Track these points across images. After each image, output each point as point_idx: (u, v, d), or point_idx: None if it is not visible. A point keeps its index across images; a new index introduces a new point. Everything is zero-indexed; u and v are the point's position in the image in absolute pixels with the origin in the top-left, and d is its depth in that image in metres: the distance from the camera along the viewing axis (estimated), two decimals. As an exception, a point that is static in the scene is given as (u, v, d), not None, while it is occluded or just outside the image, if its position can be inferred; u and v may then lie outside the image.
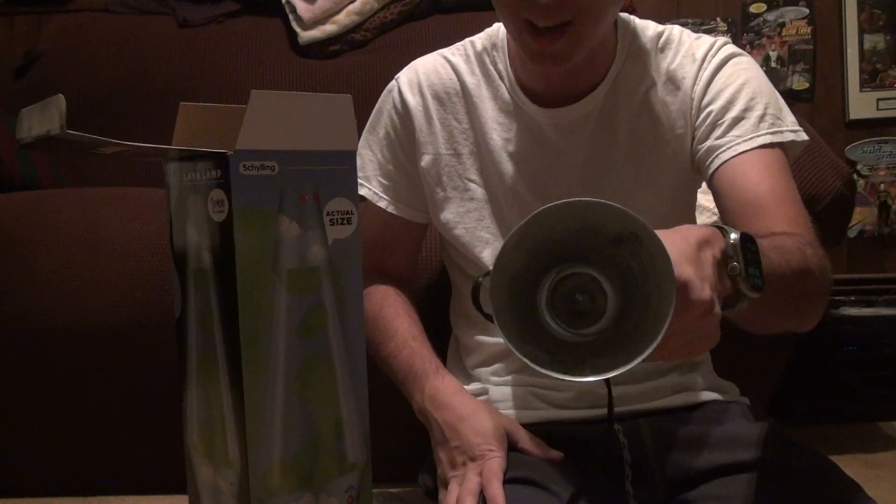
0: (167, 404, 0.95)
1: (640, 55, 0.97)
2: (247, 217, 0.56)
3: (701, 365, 1.01)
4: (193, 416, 0.63)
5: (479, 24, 1.00)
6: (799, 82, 2.45)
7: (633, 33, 0.98)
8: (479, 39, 1.02)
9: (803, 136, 0.91)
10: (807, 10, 2.45)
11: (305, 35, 2.14)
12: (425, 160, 1.02)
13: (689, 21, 2.47)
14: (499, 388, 0.99)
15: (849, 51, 2.44)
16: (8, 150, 1.73)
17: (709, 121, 0.93)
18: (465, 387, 0.97)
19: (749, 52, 2.48)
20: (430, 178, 1.02)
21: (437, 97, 1.01)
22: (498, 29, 1.01)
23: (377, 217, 1.05)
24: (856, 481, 0.81)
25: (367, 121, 1.07)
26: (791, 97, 2.45)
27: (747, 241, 0.68)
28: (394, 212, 1.05)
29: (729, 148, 0.90)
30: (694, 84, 0.95)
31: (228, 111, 0.63)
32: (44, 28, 2.38)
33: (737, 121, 0.91)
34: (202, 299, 0.60)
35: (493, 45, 1.00)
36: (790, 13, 2.45)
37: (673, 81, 0.96)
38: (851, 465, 0.83)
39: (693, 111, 0.95)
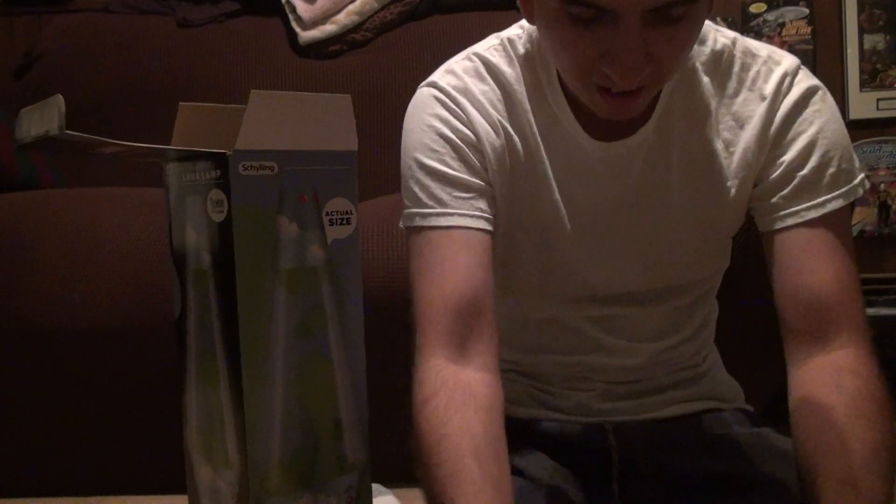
0: (167, 404, 0.94)
1: (693, 77, 0.84)
2: (246, 217, 0.56)
3: (705, 375, 0.97)
4: (193, 417, 0.63)
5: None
6: (799, 82, 2.45)
7: None
8: (520, 40, 0.86)
9: (865, 187, 0.85)
10: (807, 10, 2.45)
11: (305, 35, 2.14)
12: (495, 171, 0.84)
13: (689, 21, 2.47)
14: None
15: (849, 51, 2.44)
16: (8, 151, 1.73)
17: (778, 173, 0.83)
18: None
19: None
20: (498, 189, 0.86)
21: (493, 104, 0.84)
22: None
23: (482, 251, 0.81)
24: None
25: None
26: (791, 97, 2.45)
27: None
28: (490, 228, 0.83)
29: (796, 213, 0.81)
30: (765, 129, 0.83)
31: (227, 111, 0.63)
32: (44, 28, 2.38)
33: (808, 181, 0.81)
34: (201, 299, 0.60)
35: (539, 52, 0.84)
36: (790, 13, 2.45)
37: (736, 119, 0.84)
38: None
39: (763, 157, 0.84)
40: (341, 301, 0.63)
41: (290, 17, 2.17)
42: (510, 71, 0.85)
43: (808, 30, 2.45)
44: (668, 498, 0.86)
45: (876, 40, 2.42)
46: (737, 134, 0.84)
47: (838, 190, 0.81)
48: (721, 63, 0.84)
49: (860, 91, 2.43)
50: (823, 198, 0.81)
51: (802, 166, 0.81)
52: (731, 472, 0.85)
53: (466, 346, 0.78)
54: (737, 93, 0.84)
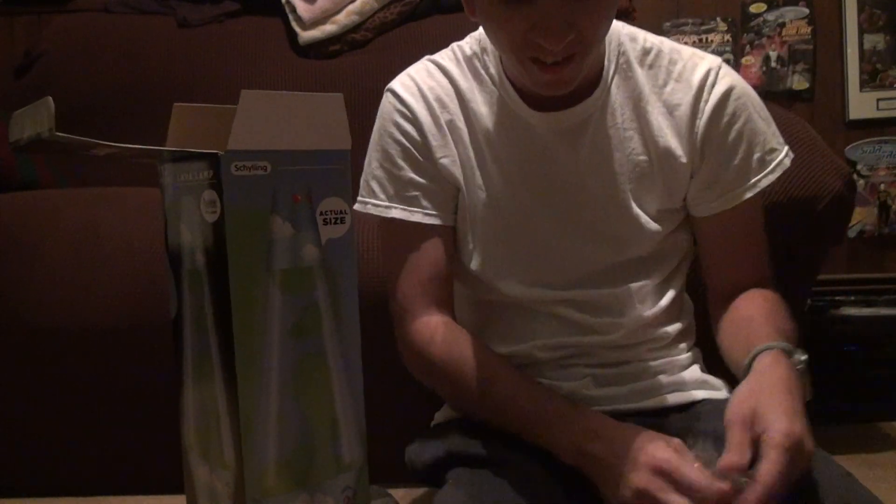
0: (167, 404, 0.94)
1: (627, 66, 0.96)
2: (239, 217, 0.56)
3: (693, 364, 1.01)
4: (189, 417, 0.63)
5: (478, 25, 0.98)
6: (799, 82, 2.45)
7: (619, 42, 0.96)
8: (467, 44, 1.01)
9: (790, 157, 0.97)
10: (807, 10, 2.44)
11: (305, 35, 2.14)
12: (445, 163, 0.97)
13: (690, 21, 2.47)
14: None
15: (849, 51, 2.43)
16: (8, 151, 1.74)
17: (712, 164, 0.95)
18: None
19: (749, 52, 2.50)
20: (451, 180, 0.99)
21: (439, 100, 0.98)
22: (484, 33, 0.97)
23: (432, 238, 0.98)
24: (846, 470, 0.82)
25: (364, 121, 1.04)
26: (791, 97, 2.45)
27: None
28: (446, 223, 0.99)
29: (736, 196, 0.95)
30: (693, 116, 0.95)
31: (222, 112, 0.63)
32: (44, 28, 2.38)
33: (740, 170, 0.94)
34: (196, 300, 0.60)
35: (483, 50, 0.99)
36: (790, 13, 2.45)
37: (667, 106, 0.96)
38: (851, 465, 0.83)
39: (697, 147, 0.95)
40: (336, 301, 0.63)
41: (290, 17, 2.17)
42: (456, 70, 0.99)
43: (808, 30, 2.44)
44: None
45: (876, 40, 2.42)
46: (668, 118, 0.95)
47: (766, 169, 0.95)
48: (650, 56, 0.97)
49: (860, 91, 2.43)
50: (754, 179, 0.94)
51: (732, 155, 0.94)
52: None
53: (440, 305, 0.98)
54: (666, 83, 0.96)
